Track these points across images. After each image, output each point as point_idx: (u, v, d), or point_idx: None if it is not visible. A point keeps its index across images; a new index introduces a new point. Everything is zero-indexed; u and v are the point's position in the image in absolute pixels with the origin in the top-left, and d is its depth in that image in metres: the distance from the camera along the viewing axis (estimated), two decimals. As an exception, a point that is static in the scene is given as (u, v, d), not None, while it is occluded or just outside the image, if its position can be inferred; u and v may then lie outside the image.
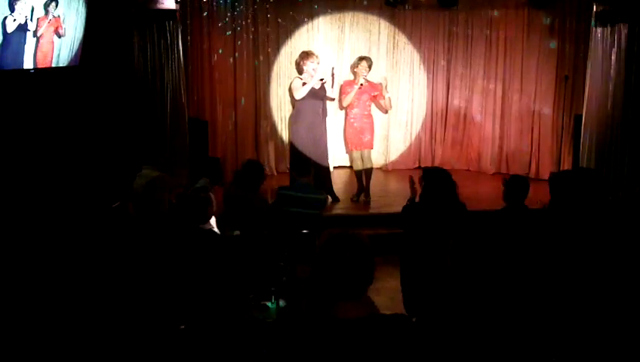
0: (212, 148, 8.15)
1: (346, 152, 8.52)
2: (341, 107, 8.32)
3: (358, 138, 7.65)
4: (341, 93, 8.03)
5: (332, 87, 7.73)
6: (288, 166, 8.21)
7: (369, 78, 7.75)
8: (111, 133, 7.09)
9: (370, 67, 7.77)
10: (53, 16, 6.53)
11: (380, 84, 7.93)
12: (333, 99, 8.09)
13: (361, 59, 7.88)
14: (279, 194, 5.50)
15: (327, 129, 7.73)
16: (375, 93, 7.81)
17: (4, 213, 5.36)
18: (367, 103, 7.75)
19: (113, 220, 4.39)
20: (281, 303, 4.23)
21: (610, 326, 3.03)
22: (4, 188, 5.88)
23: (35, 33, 6.40)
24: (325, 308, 2.16)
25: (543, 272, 3.77)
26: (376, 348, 2.09)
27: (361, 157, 7.66)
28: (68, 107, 6.95)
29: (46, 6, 6.45)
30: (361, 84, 7.58)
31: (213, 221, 4.87)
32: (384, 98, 7.91)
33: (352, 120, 7.71)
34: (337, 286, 2.15)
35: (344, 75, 8.98)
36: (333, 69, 7.77)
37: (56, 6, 6.51)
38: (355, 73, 7.88)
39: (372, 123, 7.77)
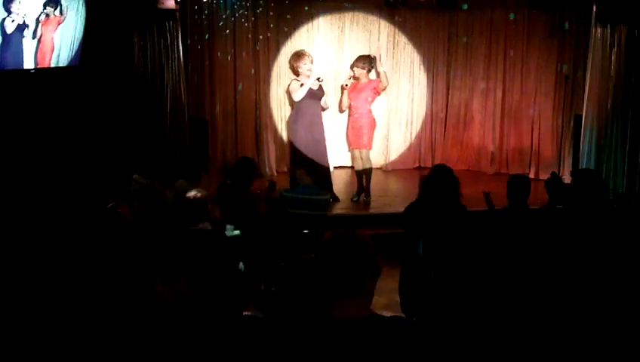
0: (212, 148, 8.16)
1: (348, 151, 8.49)
2: (340, 110, 8.32)
3: (356, 137, 7.65)
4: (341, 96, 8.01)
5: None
6: (288, 166, 8.21)
7: (371, 76, 7.76)
8: (111, 133, 7.09)
9: (363, 68, 7.64)
10: (54, 15, 6.53)
11: (379, 81, 7.93)
12: (328, 107, 7.81)
13: (358, 60, 7.83)
14: (282, 197, 5.49)
15: (327, 128, 7.74)
16: (375, 87, 7.70)
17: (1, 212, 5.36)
18: (369, 101, 7.68)
19: (107, 220, 4.39)
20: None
21: (611, 328, 3.03)
22: (2, 188, 5.88)
23: (34, 33, 6.40)
24: (322, 307, 2.16)
25: (545, 272, 3.77)
26: (373, 349, 2.08)
27: (360, 157, 7.66)
28: (68, 107, 6.95)
29: (45, 6, 6.45)
30: (345, 85, 7.64)
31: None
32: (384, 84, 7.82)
33: (352, 119, 7.70)
34: (335, 286, 2.15)
35: (344, 75, 8.97)
36: (319, 79, 7.53)
37: (55, 6, 6.51)
38: (353, 73, 7.87)
39: (372, 122, 7.72)
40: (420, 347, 2.15)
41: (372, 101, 7.70)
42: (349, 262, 2.12)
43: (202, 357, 2.94)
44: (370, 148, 7.75)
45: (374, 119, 7.77)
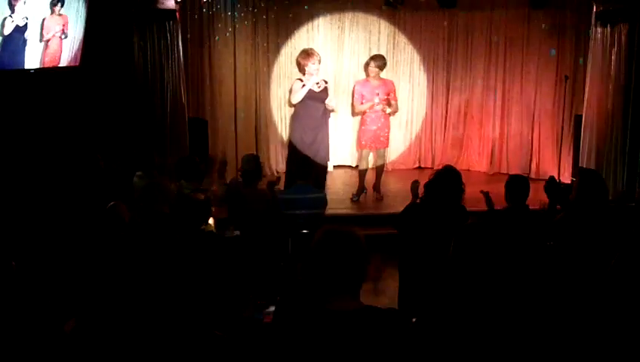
0: (212, 148, 8.15)
1: (357, 150, 8.44)
2: (354, 114, 8.30)
3: (375, 137, 7.65)
4: (354, 95, 7.95)
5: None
6: (285, 165, 8.21)
7: (383, 76, 7.77)
8: (110, 133, 7.09)
9: (380, 67, 7.66)
10: (59, 16, 6.54)
11: (393, 82, 7.94)
12: (332, 109, 7.66)
13: (371, 59, 7.81)
14: (279, 199, 5.49)
15: (331, 128, 7.70)
16: (389, 93, 7.69)
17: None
18: (383, 100, 7.62)
19: (106, 220, 4.40)
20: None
21: (611, 329, 3.03)
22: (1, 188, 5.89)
23: (41, 34, 6.40)
24: (319, 302, 2.20)
25: (545, 273, 3.77)
26: (370, 338, 2.14)
27: (369, 156, 7.72)
28: (67, 107, 6.95)
29: (52, 5, 6.46)
30: (375, 103, 7.52)
31: (211, 221, 4.87)
32: (395, 100, 7.80)
33: (369, 120, 7.67)
34: (331, 280, 2.19)
35: (343, 75, 8.99)
36: (318, 84, 7.42)
37: (62, 6, 6.52)
38: (367, 72, 7.87)
39: (388, 121, 7.78)
40: (416, 338, 2.20)
41: (386, 101, 7.64)
42: (344, 259, 2.17)
43: (203, 357, 2.94)
44: (387, 146, 7.89)
45: (389, 117, 7.81)
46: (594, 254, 3.85)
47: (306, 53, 7.65)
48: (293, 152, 7.39)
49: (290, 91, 7.71)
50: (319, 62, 7.56)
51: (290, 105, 7.92)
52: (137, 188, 5.44)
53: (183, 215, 4.19)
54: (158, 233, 4.31)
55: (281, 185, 6.67)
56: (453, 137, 9.37)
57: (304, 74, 7.59)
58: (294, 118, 7.62)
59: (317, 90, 7.38)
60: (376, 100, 7.53)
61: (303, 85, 7.38)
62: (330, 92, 7.55)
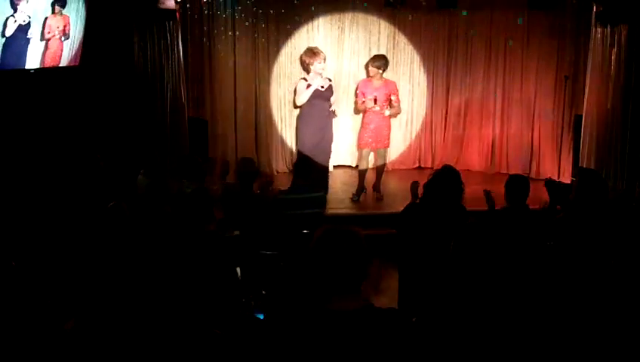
0: (212, 148, 8.16)
1: (357, 150, 8.45)
2: (356, 111, 8.30)
3: (376, 137, 7.64)
4: (357, 94, 7.95)
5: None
6: (292, 167, 8.21)
7: (385, 76, 7.77)
8: (110, 133, 7.09)
9: (379, 67, 7.64)
10: (61, 16, 6.54)
11: (395, 83, 7.93)
12: (335, 109, 7.61)
13: (371, 59, 7.82)
14: (279, 200, 5.52)
15: (335, 128, 7.71)
16: (391, 91, 7.70)
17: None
18: (384, 101, 7.65)
19: (108, 220, 4.40)
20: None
21: (612, 328, 3.03)
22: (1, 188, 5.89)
23: (42, 34, 6.40)
24: (320, 301, 2.20)
25: (545, 272, 3.77)
26: (371, 338, 2.14)
27: (369, 156, 7.71)
28: (68, 107, 6.95)
29: (53, 5, 6.46)
30: (372, 106, 7.50)
31: None
32: (398, 102, 7.81)
33: (369, 119, 7.66)
34: (331, 280, 2.19)
35: (343, 75, 8.98)
36: (322, 87, 7.45)
37: (64, 6, 6.52)
38: (368, 72, 7.88)
39: (389, 120, 7.77)
40: (416, 337, 2.20)
41: (387, 102, 7.66)
42: (345, 258, 2.18)
43: (203, 356, 2.94)
44: (388, 146, 7.87)
45: (390, 118, 7.81)
46: (594, 254, 3.86)
47: (312, 52, 7.59)
48: (304, 153, 7.38)
49: (295, 92, 7.70)
50: (324, 60, 7.53)
51: (295, 106, 7.90)
52: (141, 186, 5.46)
53: (184, 214, 4.20)
54: (160, 232, 4.31)
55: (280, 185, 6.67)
56: (453, 137, 9.37)
57: (308, 73, 7.57)
58: (301, 118, 7.58)
59: (323, 88, 7.37)
60: (371, 104, 7.53)
61: (308, 86, 7.36)
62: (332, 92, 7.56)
